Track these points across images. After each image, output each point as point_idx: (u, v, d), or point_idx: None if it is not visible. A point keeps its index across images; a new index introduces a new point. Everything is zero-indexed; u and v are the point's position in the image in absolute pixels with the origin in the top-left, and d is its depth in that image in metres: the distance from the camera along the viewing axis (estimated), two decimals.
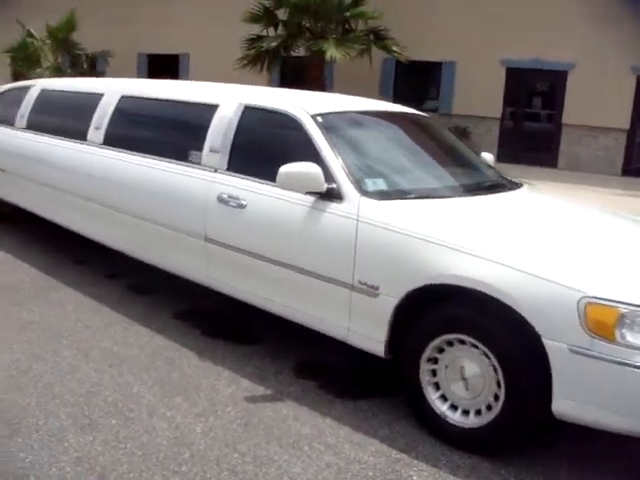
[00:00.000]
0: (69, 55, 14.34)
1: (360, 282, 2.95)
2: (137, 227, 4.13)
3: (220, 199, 3.53)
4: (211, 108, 3.83)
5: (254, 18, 11.78)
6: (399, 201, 3.10)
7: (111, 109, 4.52)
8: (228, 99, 3.80)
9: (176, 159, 3.90)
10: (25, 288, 4.51)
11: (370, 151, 3.62)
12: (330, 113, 3.53)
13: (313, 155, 3.24)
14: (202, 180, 3.66)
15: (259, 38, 11.98)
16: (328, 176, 3.12)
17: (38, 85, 5.55)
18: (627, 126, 12.77)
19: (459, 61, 13.46)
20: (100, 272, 4.93)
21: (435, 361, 2.84)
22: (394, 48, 11.66)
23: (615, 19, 12.01)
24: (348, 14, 11.36)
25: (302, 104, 3.54)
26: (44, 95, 5.40)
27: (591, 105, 12.57)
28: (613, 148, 12.98)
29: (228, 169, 3.59)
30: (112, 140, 4.43)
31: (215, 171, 3.63)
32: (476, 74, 13.13)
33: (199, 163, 3.74)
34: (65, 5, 14.58)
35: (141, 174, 4.06)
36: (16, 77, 14.67)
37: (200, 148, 3.76)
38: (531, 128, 13.79)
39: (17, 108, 5.62)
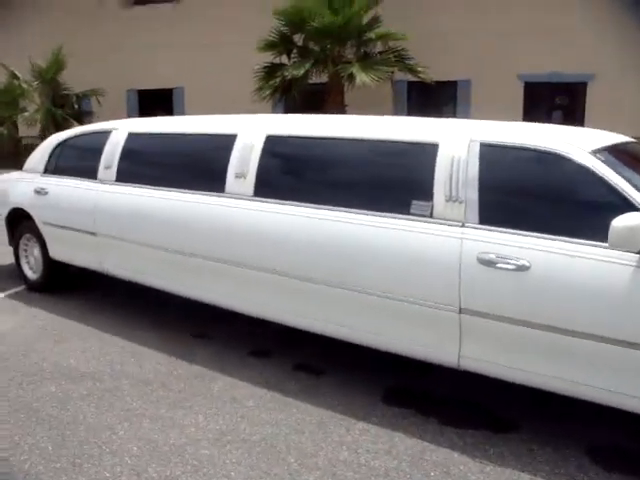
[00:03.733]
0: (56, 96, 13.24)
1: None
2: (329, 299, 3.32)
3: (482, 260, 2.77)
4: (427, 148, 3.08)
5: (270, 45, 11.07)
6: None
7: (256, 153, 3.71)
8: (450, 135, 3.07)
9: (382, 210, 3.14)
10: (168, 381, 3.60)
11: None
12: (604, 148, 2.84)
13: (612, 201, 2.56)
14: (445, 238, 2.89)
15: (277, 66, 11.25)
16: None
17: (121, 129, 4.65)
18: None
19: (474, 79, 13.09)
20: (240, 348, 4.06)
21: None
22: (419, 69, 11.16)
23: (632, 28, 11.89)
24: (373, 36, 10.80)
25: (568, 139, 2.84)
26: (135, 140, 4.52)
27: (612, 116, 12.35)
28: None
29: (481, 222, 2.84)
30: (267, 191, 3.62)
31: (462, 225, 2.88)
32: (493, 91, 12.75)
33: (428, 215, 2.98)
34: (42, 43, 13.56)
35: (334, 233, 3.26)
36: None
37: (425, 197, 3.00)
38: None
39: (95, 157, 4.72)
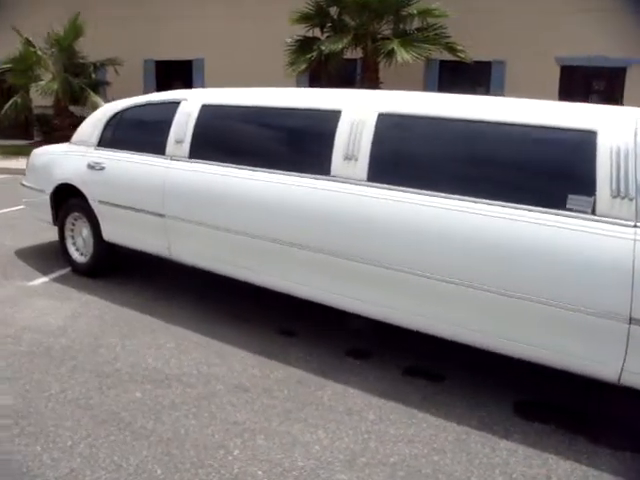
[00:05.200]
0: (72, 65, 12.57)
1: None
2: (474, 304, 2.89)
3: None
4: (584, 136, 2.66)
5: (305, 17, 10.48)
6: None
7: (368, 133, 3.24)
8: (612, 121, 2.63)
9: (532, 204, 2.72)
10: (268, 386, 3.16)
11: None
12: None
13: None
14: (615, 239, 2.49)
15: (311, 40, 10.68)
16: None
17: (191, 99, 4.16)
18: None
19: (509, 60, 12.60)
20: (334, 347, 3.63)
21: None
22: (459, 48, 10.64)
23: None
24: (414, 11, 10.23)
25: None
26: (210, 113, 4.02)
27: None
28: None
29: None
30: (383, 175, 3.17)
31: (634, 226, 2.48)
32: (529, 74, 12.27)
33: (590, 212, 2.56)
34: (58, 10, 12.87)
35: (472, 228, 2.83)
36: (9, 92, 12.83)
37: (585, 191, 2.58)
38: None
39: (161, 130, 4.23)
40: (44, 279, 4.84)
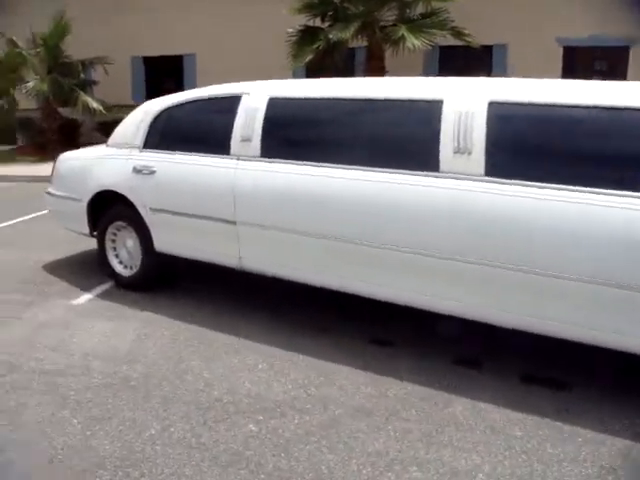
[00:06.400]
0: (59, 65, 11.95)
1: None
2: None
3: None
4: None
5: (308, 6, 10.07)
6: None
7: (480, 123, 2.93)
8: None
9: None
10: (392, 406, 2.83)
11: None
12: None
13: None
14: None
15: (316, 29, 10.28)
16: None
17: (254, 93, 3.78)
18: None
19: (511, 44, 12.37)
20: (439, 356, 3.32)
21: None
22: (466, 32, 10.37)
23: None
24: None
25: None
26: (280, 106, 3.65)
27: None
28: None
29: None
30: (505, 169, 2.86)
31: None
32: (531, 56, 12.05)
33: None
34: (42, 9, 12.23)
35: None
36: None
37: None
38: None
39: (221, 128, 3.86)
40: (88, 296, 4.42)
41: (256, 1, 12.74)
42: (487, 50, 12.63)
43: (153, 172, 4.10)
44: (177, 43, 13.42)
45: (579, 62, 12.49)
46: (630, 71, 12.21)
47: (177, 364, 3.33)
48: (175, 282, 4.59)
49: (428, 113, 3.13)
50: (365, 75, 10.61)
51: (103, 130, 12.95)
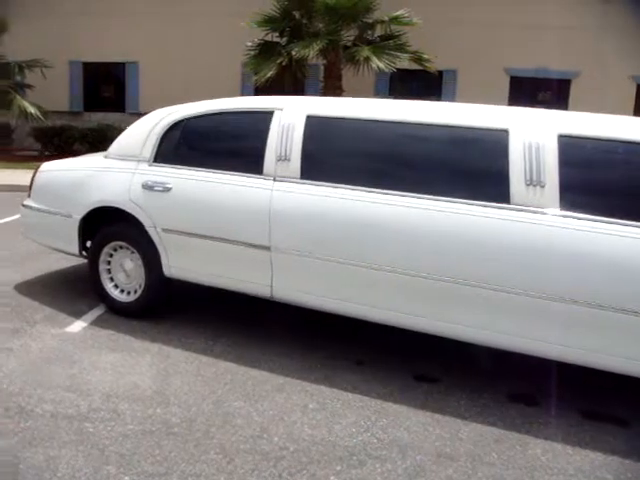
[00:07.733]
0: None
1: None
2: None
3: None
4: None
5: (269, 20, 9.86)
6: None
7: (552, 155, 2.88)
8: None
9: None
10: (468, 450, 2.65)
11: None
12: None
13: None
14: None
15: (275, 44, 10.06)
16: None
17: (288, 109, 3.54)
18: None
19: (460, 69, 12.74)
20: (492, 393, 3.19)
21: None
22: (426, 57, 10.54)
23: (616, 28, 12.10)
24: (386, 18, 9.96)
25: None
26: (321, 126, 3.44)
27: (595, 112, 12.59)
28: None
29: None
30: (581, 203, 2.81)
31: None
32: (479, 83, 12.49)
33: None
34: None
35: None
36: None
37: None
38: None
39: (248, 145, 3.62)
40: (81, 323, 3.95)
41: (210, 12, 12.38)
42: (438, 74, 12.95)
43: (168, 189, 3.74)
44: (120, 50, 12.76)
45: (525, 91, 13.06)
46: (571, 101, 12.90)
47: (218, 406, 2.99)
48: (171, 306, 4.23)
49: (493, 142, 3.04)
50: (324, 93, 10.52)
51: (39, 137, 12.09)
